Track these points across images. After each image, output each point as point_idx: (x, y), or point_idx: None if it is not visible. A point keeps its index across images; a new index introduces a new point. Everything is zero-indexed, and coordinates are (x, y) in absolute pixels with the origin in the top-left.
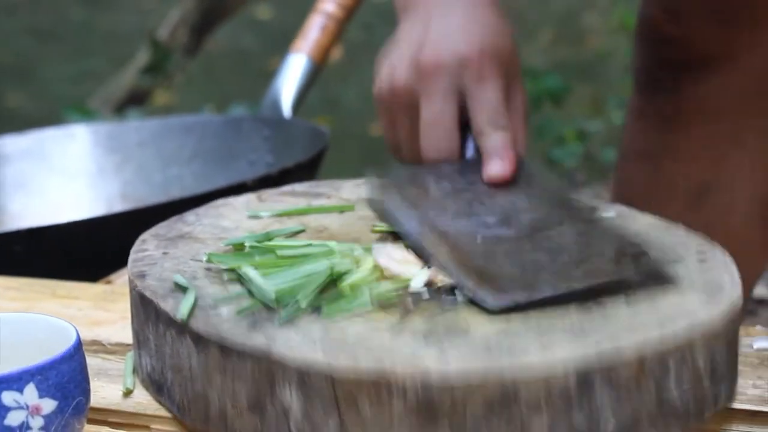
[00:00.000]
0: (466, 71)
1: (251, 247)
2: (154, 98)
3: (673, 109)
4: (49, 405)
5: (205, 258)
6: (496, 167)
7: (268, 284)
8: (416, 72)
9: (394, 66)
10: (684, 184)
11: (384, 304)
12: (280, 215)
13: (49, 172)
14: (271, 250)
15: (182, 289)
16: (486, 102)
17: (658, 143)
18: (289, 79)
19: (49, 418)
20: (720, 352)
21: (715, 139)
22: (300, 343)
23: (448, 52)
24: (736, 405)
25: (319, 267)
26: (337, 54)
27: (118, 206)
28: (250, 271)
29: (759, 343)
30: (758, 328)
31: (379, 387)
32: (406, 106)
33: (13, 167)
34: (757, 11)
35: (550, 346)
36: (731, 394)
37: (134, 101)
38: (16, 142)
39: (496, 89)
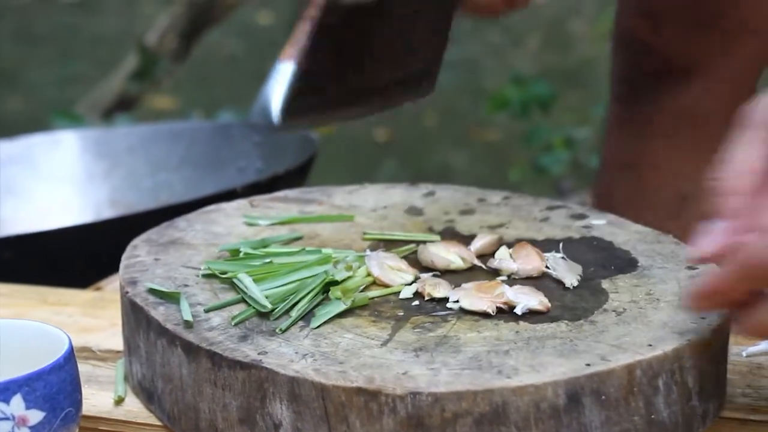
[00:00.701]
0: None
1: (246, 254)
2: (153, 102)
3: (653, 117)
4: (36, 416)
5: (201, 270)
6: None
7: (264, 291)
8: None
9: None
10: (664, 193)
11: (375, 315)
12: (280, 224)
13: (37, 178)
14: (267, 257)
15: (171, 296)
16: None
17: (637, 152)
18: (280, 86)
19: (36, 429)
20: (709, 369)
21: (694, 147)
22: (291, 356)
23: None
24: (726, 413)
25: (314, 274)
26: None
27: (107, 212)
28: (245, 279)
29: (750, 349)
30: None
31: (370, 402)
32: None
33: (1, 173)
34: (735, 18)
35: (540, 366)
36: (720, 410)
37: (122, 107)
38: (4, 149)
39: None
